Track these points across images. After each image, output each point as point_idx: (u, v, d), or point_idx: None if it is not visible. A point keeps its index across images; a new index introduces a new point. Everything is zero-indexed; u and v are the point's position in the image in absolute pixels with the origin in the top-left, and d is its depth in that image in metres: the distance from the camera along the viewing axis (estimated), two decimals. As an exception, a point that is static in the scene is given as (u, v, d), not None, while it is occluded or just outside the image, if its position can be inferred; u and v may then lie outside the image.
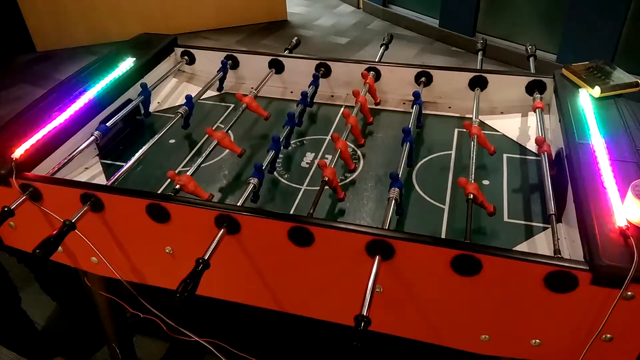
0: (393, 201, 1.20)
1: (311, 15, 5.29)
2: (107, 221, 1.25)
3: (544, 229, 1.24)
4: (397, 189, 1.22)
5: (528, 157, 1.50)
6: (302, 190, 1.41)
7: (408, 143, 1.40)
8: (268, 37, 4.73)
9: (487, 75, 1.67)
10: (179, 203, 1.17)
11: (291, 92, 1.87)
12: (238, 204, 1.20)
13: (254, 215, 1.12)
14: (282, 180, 1.46)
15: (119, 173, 1.36)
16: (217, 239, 1.10)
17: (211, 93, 1.87)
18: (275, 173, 1.47)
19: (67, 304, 2.05)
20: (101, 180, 1.46)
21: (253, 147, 1.60)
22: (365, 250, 1.06)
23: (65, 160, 1.41)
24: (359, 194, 1.39)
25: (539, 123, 1.50)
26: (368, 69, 1.76)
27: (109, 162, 1.55)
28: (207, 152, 1.41)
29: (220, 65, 1.86)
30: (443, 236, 1.24)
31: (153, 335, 1.94)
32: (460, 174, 1.43)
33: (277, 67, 1.85)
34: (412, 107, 1.61)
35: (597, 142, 1.26)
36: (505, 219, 1.28)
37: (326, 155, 1.54)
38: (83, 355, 1.90)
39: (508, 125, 1.64)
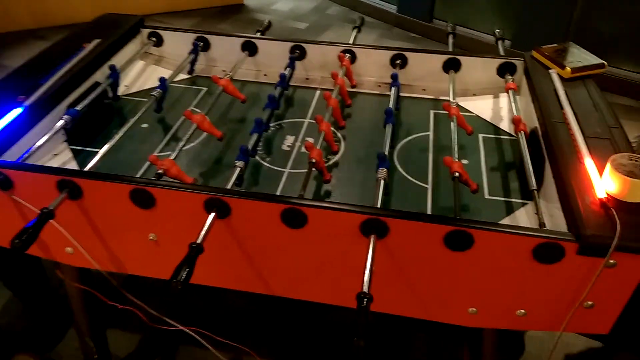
0: (382, 181, 1.21)
1: (268, -1, 5.21)
2: (85, 209, 1.20)
3: (523, 204, 1.29)
4: (385, 169, 1.23)
5: (502, 136, 1.56)
6: (286, 173, 1.40)
7: (391, 124, 1.41)
8: (224, 22, 4.62)
9: (460, 58, 1.71)
10: (166, 187, 1.13)
11: (265, 74, 1.84)
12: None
13: (246, 198, 1.10)
14: (264, 163, 1.44)
15: (96, 159, 1.30)
16: (208, 222, 1.07)
17: (181, 76, 1.81)
18: (256, 157, 1.45)
19: (30, 299, 1.96)
20: (72, 166, 1.40)
21: (231, 131, 1.56)
22: (360, 230, 1.07)
23: (35, 146, 1.33)
24: (344, 175, 1.40)
25: (512, 104, 1.55)
26: (344, 51, 1.76)
27: (79, 148, 1.47)
28: (187, 135, 1.37)
29: (192, 47, 1.80)
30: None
31: (126, 328, 1.88)
32: (439, 154, 1.46)
33: (250, 49, 1.82)
34: (390, 89, 1.62)
35: (571, 120, 1.32)
36: (486, 196, 1.32)
37: (307, 138, 1.53)
38: (46, 351, 1.82)
39: (481, 107, 1.68)
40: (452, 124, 1.43)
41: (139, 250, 1.24)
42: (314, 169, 1.27)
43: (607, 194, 1.07)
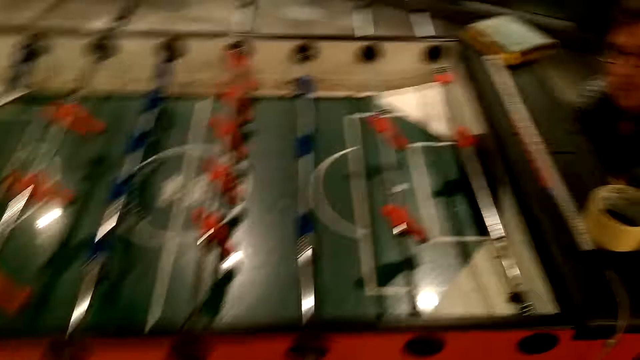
0: (307, 253, 0.88)
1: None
2: None
3: (479, 242, 1.04)
4: (308, 236, 0.90)
5: (441, 142, 1.28)
6: (172, 241, 1.02)
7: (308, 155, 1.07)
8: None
9: (381, 44, 1.38)
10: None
11: (127, 83, 1.40)
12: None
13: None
14: (135, 238, 1.04)
15: None
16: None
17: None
18: (128, 216, 1.06)
19: None
20: None
21: (87, 185, 1.13)
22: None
23: None
24: (255, 236, 1.05)
25: (452, 102, 1.25)
26: (234, 46, 1.36)
27: None
28: (13, 211, 0.94)
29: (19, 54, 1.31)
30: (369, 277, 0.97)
31: None
32: (375, 179, 1.16)
33: (102, 50, 1.35)
34: (300, 96, 1.26)
35: (528, 128, 1.06)
36: (435, 237, 1.05)
37: (192, 183, 1.15)
38: None
39: (410, 103, 1.39)
40: (381, 142, 1.12)
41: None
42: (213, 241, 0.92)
43: (593, 244, 0.83)
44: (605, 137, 1.27)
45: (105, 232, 0.89)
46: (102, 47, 1.35)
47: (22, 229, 1.02)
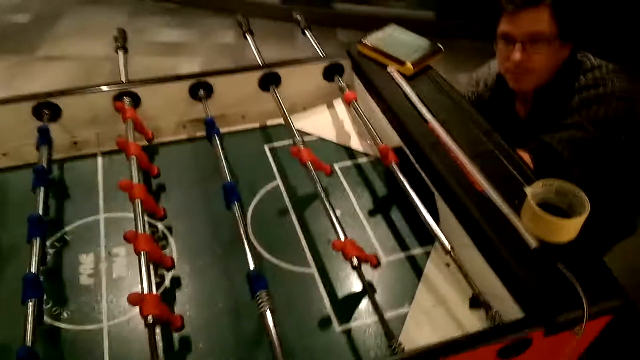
0: (267, 312, 0.81)
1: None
2: None
3: (426, 253, 1.05)
4: (264, 293, 0.83)
5: (359, 160, 1.27)
6: (105, 335, 0.88)
7: (236, 201, 0.99)
8: None
9: (278, 71, 1.33)
10: None
11: (3, 154, 1.20)
12: None
13: None
14: (63, 326, 0.89)
15: None
16: None
17: None
18: (44, 319, 0.89)
19: None
20: None
21: None
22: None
23: None
24: (198, 296, 0.95)
25: (364, 118, 1.24)
26: (119, 96, 1.22)
27: None
28: None
29: None
30: (330, 315, 0.93)
31: None
32: (304, 211, 1.12)
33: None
34: (208, 139, 1.17)
35: (445, 137, 1.09)
36: (383, 258, 1.04)
37: (113, 253, 1.01)
38: None
39: (319, 124, 1.36)
40: (310, 173, 1.08)
41: None
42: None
43: (537, 240, 0.87)
44: (503, 121, 1.36)
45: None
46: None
47: None
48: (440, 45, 1.31)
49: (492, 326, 0.82)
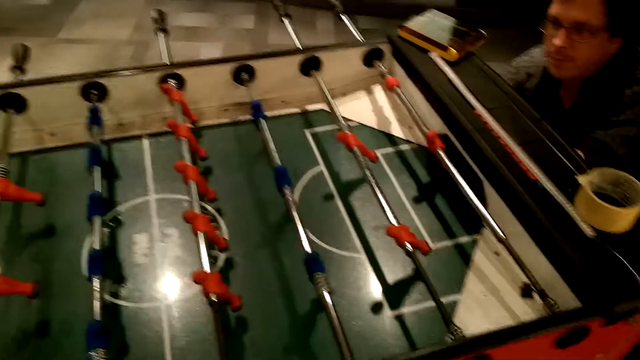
0: (326, 294, 0.82)
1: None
2: None
3: (473, 242, 1.05)
4: (321, 275, 0.84)
5: (401, 146, 1.27)
6: (165, 314, 0.90)
7: (288, 185, 1.00)
8: None
9: (320, 54, 1.33)
10: None
11: (52, 134, 1.21)
12: None
13: None
14: (122, 303, 0.91)
15: None
16: None
17: None
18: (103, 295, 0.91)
19: None
20: None
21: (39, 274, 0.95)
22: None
23: None
24: (252, 278, 0.96)
25: (407, 104, 1.24)
26: (164, 78, 1.22)
27: None
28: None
29: None
30: (385, 302, 0.94)
31: None
32: (349, 197, 1.13)
33: (15, 104, 1.15)
34: (255, 124, 1.17)
35: (494, 125, 1.08)
36: (431, 245, 1.04)
37: (168, 232, 1.02)
38: None
39: (359, 110, 1.36)
40: (357, 158, 1.08)
41: None
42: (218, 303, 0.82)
43: (593, 229, 0.87)
44: (546, 110, 1.35)
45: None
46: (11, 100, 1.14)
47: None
48: (483, 32, 1.30)
49: (550, 314, 0.82)
